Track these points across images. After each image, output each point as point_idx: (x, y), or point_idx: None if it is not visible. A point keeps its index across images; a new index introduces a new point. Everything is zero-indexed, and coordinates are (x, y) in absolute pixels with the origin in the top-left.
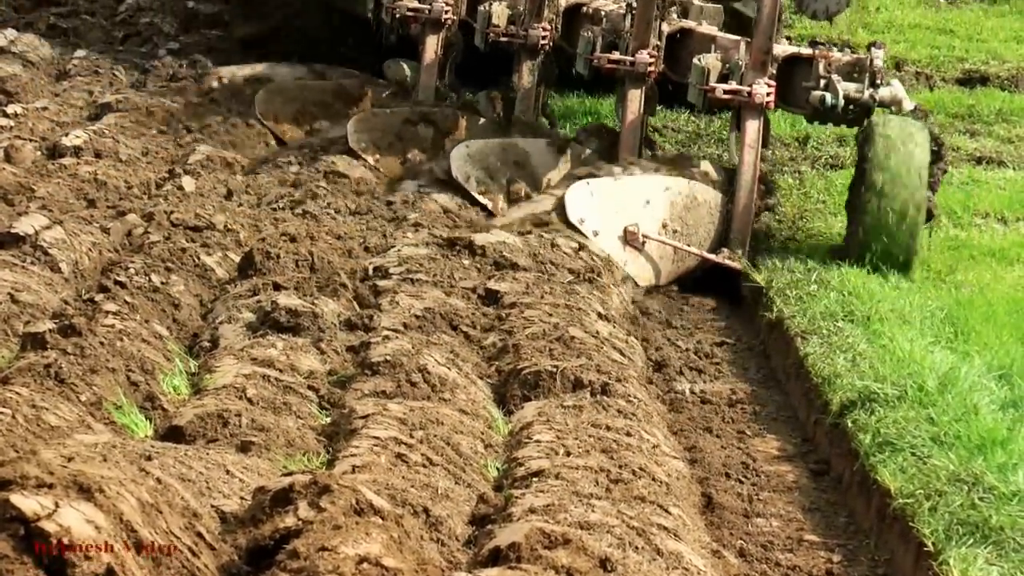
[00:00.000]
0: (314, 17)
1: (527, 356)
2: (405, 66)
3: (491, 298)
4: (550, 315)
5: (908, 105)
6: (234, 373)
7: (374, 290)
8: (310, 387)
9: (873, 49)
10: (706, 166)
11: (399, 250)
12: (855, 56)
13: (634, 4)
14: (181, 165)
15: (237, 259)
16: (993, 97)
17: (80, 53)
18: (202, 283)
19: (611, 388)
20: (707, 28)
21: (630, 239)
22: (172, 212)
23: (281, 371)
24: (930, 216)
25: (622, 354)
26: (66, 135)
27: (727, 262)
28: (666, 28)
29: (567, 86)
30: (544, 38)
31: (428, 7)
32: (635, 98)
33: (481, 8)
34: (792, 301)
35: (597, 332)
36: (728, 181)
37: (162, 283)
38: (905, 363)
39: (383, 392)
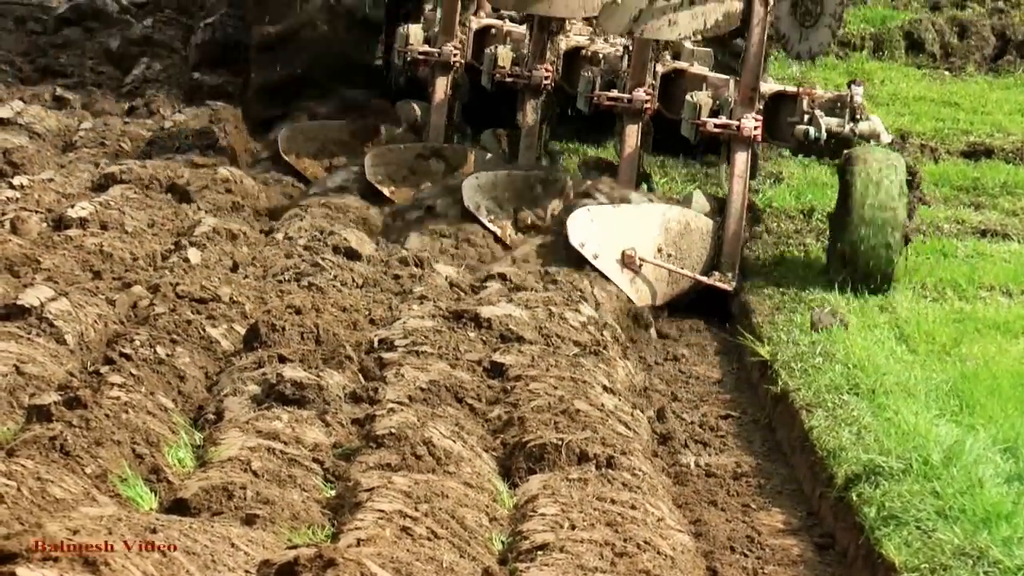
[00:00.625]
0: (331, 64)
1: (532, 429)
2: (416, 106)
3: (496, 371)
4: (555, 388)
5: (886, 138)
6: (239, 446)
7: (379, 362)
8: (315, 460)
9: (853, 87)
10: (698, 196)
11: (404, 322)
12: (836, 93)
13: (631, 46)
14: (187, 237)
15: (243, 331)
16: (998, 170)
17: (86, 124)
18: (207, 355)
19: (616, 461)
20: (698, 68)
21: (627, 262)
22: (178, 284)
23: (286, 444)
24: (907, 241)
25: (627, 427)
26: (72, 207)
27: (718, 284)
28: (660, 68)
29: (565, 131)
30: (546, 78)
31: (438, 51)
32: (632, 132)
33: (488, 50)
34: (797, 374)
35: (602, 405)
36: (719, 209)
37: (167, 355)
38: (910, 436)
39: (388, 465)
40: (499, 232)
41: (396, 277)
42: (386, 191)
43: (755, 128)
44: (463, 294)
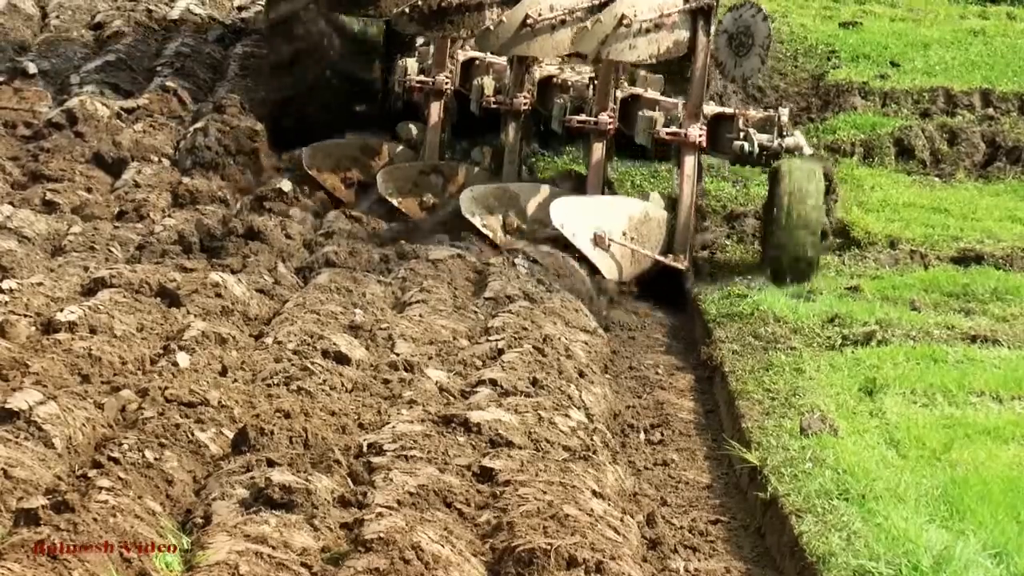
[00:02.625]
0: (334, 91)
1: (521, 534)
2: (413, 127)
3: (486, 475)
4: (545, 493)
5: (808, 150)
6: (227, 550)
7: (368, 467)
8: (303, 564)
9: (779, 108)
10: (654, 195)
11: (394, 427)
12: (767, 114)
13: (595, 77)
14: (176, 341)
15: (231, 435)
16: (988, 276)
17: (76, 228)
18: (196, 459)
19: (605, 566)
20: (652, 93)
21: (598, 241)
22: (166, 388)
23: (274, 548)
24: (824, 235)
25: (616, 532)
26: (61, 310)
27: (673, 263)
28: (620, 94)
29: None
30: (525, 104)
31: (432, 80)
32: (598, 149)
33: (475, 81)
34: (787, 479)
35: (592, 510)
36: (672, 206)
37: (156, 459)
38: (900, 541)
39: (376, 570)
40: (491, 235)
41: (386, 381)
42: (395, 202)
43: (700, 136)
44: (453, 399)
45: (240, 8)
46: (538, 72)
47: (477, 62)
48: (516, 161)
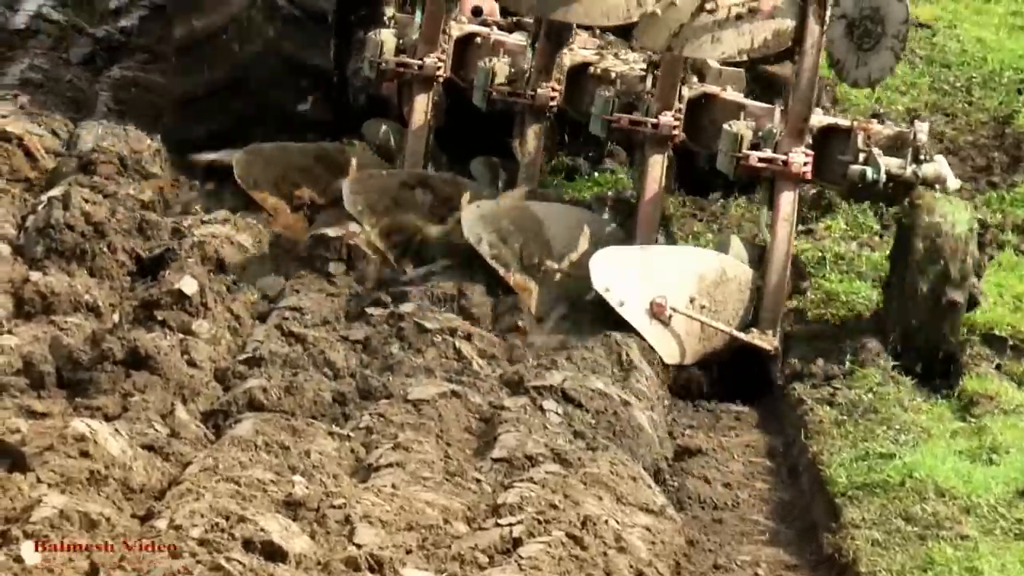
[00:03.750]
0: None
1: None
2: (385, 127)
3: None
4: None
5: (953, 183)
6: None
7: None
8: None
9: (917, 122)
10: (735, 242)
11: None
12: (897, 129)
13: (656, 63)
14: (20, 524)
15: None
16: None
17: None
18: None
19: None
20: (732, 94)
21: (656, 311)
22: None
23: None
24: (974, 304)
25: None
26: None
27: (757, 342)
28: (687, 92)
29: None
30: (553, 99)
31: (419, 62)
32: (657, 164)
33: (481, 64)
34: None
35: None
36: (758, 258)
37: None
38: None
39: None
40: (502, 271)
41: None
42: (366, 224)
43: (805, 164)
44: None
45: (117, 12)
46: (568, 58)
47: (479, 39)
48: (535, 178)
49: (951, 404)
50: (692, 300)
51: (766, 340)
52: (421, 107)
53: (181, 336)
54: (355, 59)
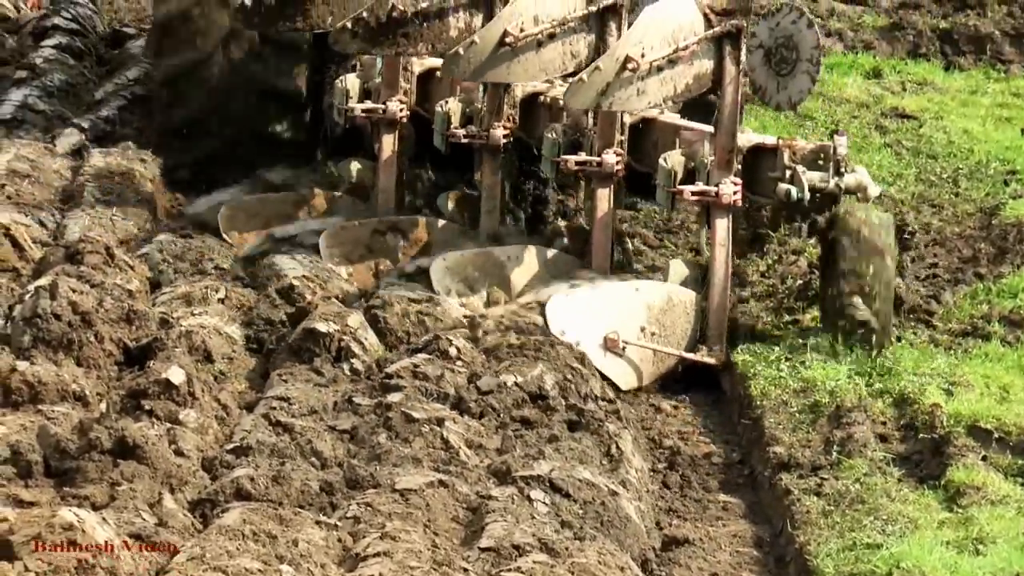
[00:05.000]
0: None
1: None
2: (358, 166)
3: None
4: None
5: (874, 191)
6: None
7: None
8: None
9: (836, 136)
10: (676, 265)
11: None
12: (819, 144)
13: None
14: None
15: None
16: None
17: None
18: None
19: None
20: (669, 116)
21: (611, 346)
22: None
23: None
24: (900, 302)
25: None
26: None
27: (705, 359)
28: (628, 119)
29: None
30: (506, 136)
31: (383, 107)
32: (604, 197)
33: (437, 108)
34: None
35: None
36: (700, 278)
37: None
38: None
39: None
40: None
41: None
42: (344, 273)
43: (735, 194)
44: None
45: (101, 102)
46: (520, 91)
47: (438, 74)
48: (496, 209)
49: (938, 495)
50: (643, 329)
51: (713, 355)
52: (388, 146)
53: (168, 425)
54: (329, 93)
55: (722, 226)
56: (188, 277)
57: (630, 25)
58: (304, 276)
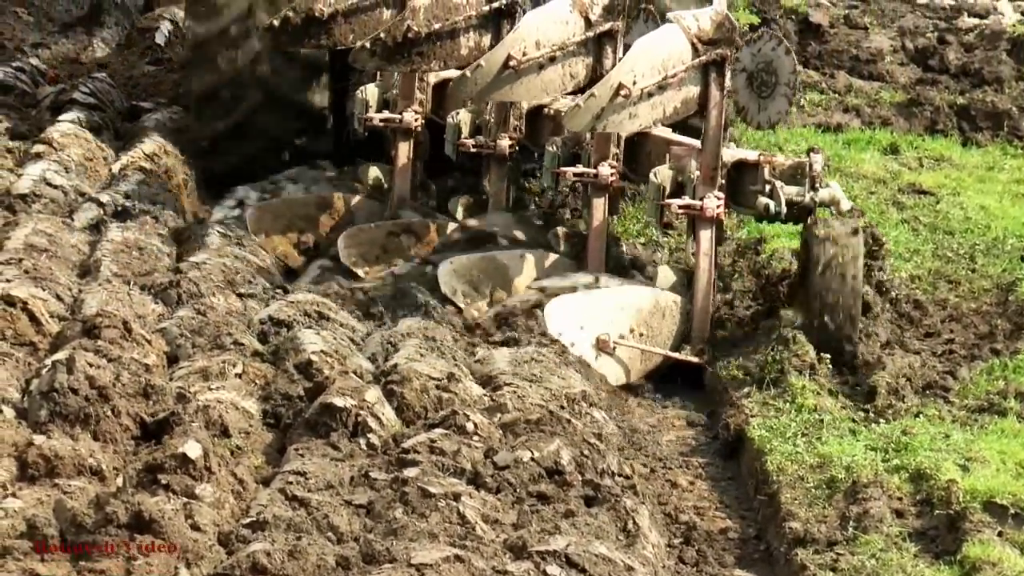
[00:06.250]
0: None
1: None
2: (376, 170)
3: None
4: None
5: (846, 205)
6: None
7: None
8: None
9: (812, 154)
10: (664, 271)
11: None
12: (797, 160)
13: None
14: None
15: None
16: None
17: None
18: None
19: None
20: (662, 130)
21: (602, 347)
22: None
23: None
24: (867, 309)
25: None
26: None
27: (689, 358)
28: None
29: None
30: (511, 146)
31: (399, 116)
32: (599, 207)
33: (449, 120)
34: None
35: None
36: (686, 282)
37: None
38: None
39: None
40: (475, 315)
41: None
42: (360, 272)
43: (718, 207)
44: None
45: (122, 174)
46: (525, 104)
47: (454, 96)
48: (502, 210)
49: (954, 570)
50: (632, 330)
51: (698, 354)
52: (404, 153)
53: (185, 500)
54: (351, 101)
55: (706, 236)
56: (206, 351)
57: (625, 48)
58: (323, 351)
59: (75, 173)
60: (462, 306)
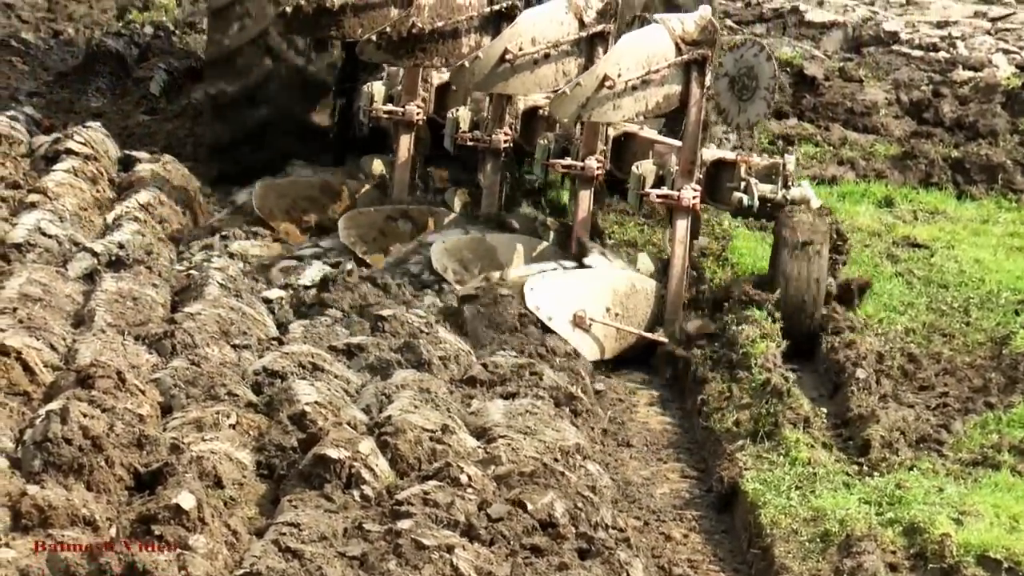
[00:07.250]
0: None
1: None
2: (380, 162)
3: None
4: None
5: (815, 203)
6: None
7: None
8: None
9: (785, 156)
10: (643, 258)
11: None
12: (772, 161)
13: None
14: None
15: None
16: None
17: None
18: None
19: None
20: (647, 131)
21: (579, 322)
22: None
23: None
24: (829, 297)
25: None
26: None
27: (661, 339)
28: (612, 132)
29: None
30: (506, 141)
31: (402, 109)
32: (585, 198)
33: (449, 114)
34: None
35: None
36: (663, 270)
37: None
38: None
39: None
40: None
41: None
42: (359, 252)
43: (694, 198)
44: None
45: (116, 223)
46: (522, 103)
47: (454, 87)
48: (495, 205)
49: None
50: (608, 310)
51: (667, 336)
52: (405, 145)
53: (178, 551)
54: (358, 99)
55: (682, 226)
56: (200, 402)
57: None
58: (317, 402)
59: (70, 222)
60: (453, 284)
